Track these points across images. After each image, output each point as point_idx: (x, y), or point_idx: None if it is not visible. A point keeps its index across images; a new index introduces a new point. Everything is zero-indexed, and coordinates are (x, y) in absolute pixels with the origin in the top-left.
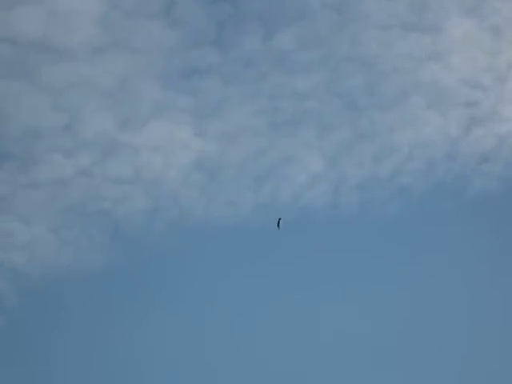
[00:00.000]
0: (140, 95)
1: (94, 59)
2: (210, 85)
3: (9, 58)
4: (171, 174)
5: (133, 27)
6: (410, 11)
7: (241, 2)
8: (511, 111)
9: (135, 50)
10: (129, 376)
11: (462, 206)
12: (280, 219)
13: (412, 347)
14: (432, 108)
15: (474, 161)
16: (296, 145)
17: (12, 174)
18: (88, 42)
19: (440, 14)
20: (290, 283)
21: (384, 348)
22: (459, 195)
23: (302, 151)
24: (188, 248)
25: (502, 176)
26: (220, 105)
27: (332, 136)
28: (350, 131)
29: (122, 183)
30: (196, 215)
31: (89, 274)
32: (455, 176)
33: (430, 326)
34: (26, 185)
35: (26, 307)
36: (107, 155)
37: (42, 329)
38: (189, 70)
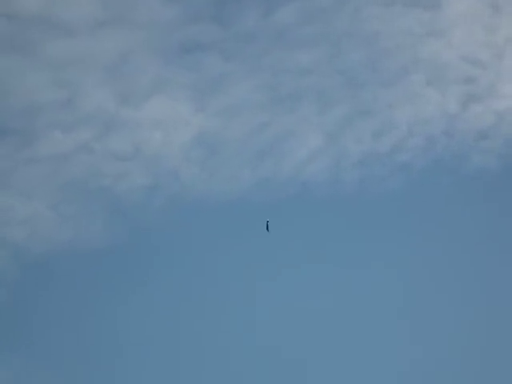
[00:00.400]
0: (140, 70)
1: (94, 34)
2: (210, 60)
3: (9, 33)
4: (172, 149)
5: (133, 2)
6: None
7: None
8: (510, 88)
9: (135, 24)
10: (129, 350)
11: (461, 182)
12: (268, 221)
13: (411, 318)
14: (431, 85)
15: (473, 137)
16: (297, 120)
17: (12, 149)
18: (88, 17)
19: None
20: (290, 258)
21: (381, 321)
22: (458, 171)
23: (303, 126)
24: (188, 224)
25: (500, 153)
26: (221, 80)
27: (333, 111)
28: (351, 107)
29: (122, 159)
30: (197, 191)
31: (89, 249)
32: (454, 152)
33: (428, 300)
34: (27, 160)
35: (27, 282)
36: (107, 131)
37: (42, 303)
38: (189, 46)
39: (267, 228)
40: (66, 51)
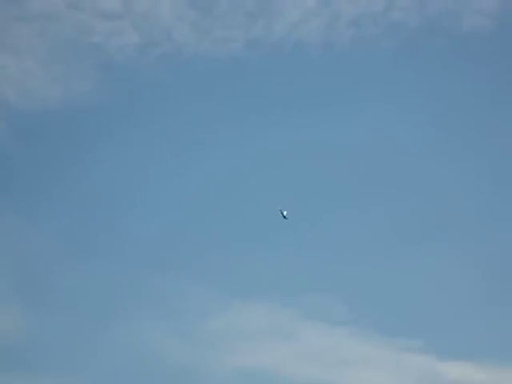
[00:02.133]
0: None
1: None
2: None
3: None
4: (162, 8)
5: None
6: None
7: None
8: None
9: None
10: (122, 208)
11: (455, 42)
12: (281, 210)
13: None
14: None
15: None
16: None
17: (2, 7)
18: None
19: None
20: (282, 118)
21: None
22: (452, 31)
23: None
24: (180, 83)
25: (494, 13)
26: None
27: None
28: None
29: (112, 17)
30: (188, 51)
31: (80, 108)
32: (448, 12)
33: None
34: (17, 18)
35: (18, 141)
36: None
37: (34, 163)
38: None
39: (284, 217)
40: None
